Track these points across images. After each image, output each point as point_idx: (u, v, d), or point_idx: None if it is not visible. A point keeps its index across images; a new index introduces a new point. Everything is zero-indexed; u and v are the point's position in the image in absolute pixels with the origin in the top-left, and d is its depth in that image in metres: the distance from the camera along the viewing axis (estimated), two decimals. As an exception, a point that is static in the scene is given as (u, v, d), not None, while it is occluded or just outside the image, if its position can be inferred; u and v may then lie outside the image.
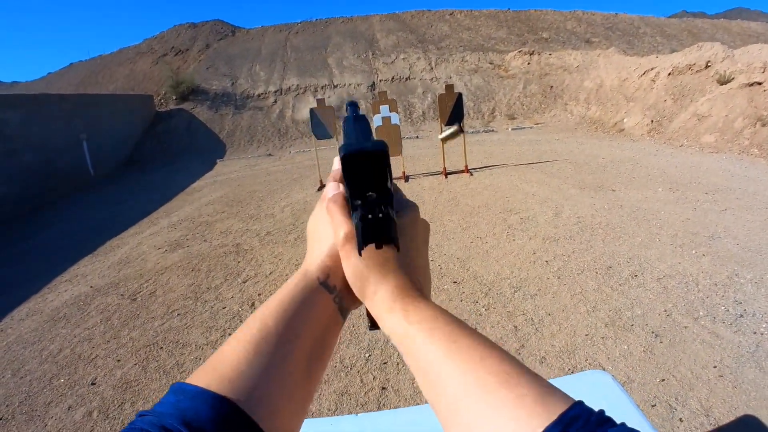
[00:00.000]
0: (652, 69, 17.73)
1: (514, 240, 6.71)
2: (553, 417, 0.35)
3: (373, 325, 0.59)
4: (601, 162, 11.49)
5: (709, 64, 15.56)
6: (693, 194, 8.28)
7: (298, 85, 22.43)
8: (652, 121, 15.52)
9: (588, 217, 7.38)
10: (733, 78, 14.05)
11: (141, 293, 5.95)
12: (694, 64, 15.98)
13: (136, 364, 4.40)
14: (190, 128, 20.01)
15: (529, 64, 23.59)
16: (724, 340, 4.11)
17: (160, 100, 22.21)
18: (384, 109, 10.59)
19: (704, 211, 7.35)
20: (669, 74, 16.63)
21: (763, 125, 11.84)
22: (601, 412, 0.37)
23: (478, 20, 31.07)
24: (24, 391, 4.17)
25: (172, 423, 0.40)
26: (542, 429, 0.35)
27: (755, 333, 4.19)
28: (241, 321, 4.95)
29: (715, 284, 5.10)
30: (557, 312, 4.78)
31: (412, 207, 0.64)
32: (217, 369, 0.48)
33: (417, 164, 12.54)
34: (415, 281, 0.57)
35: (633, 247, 6.15)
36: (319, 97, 15.25)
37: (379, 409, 3.61)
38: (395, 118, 10.66)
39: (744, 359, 3.83)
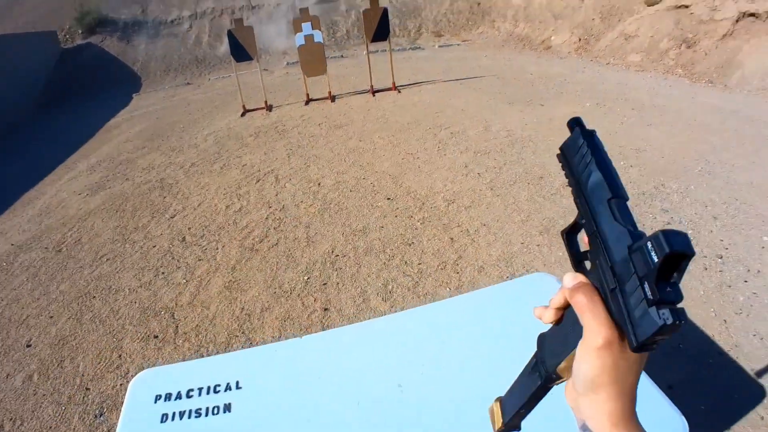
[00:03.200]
0: (581, -13, 17.72)
1: (445, 155, 6.72)
2: None
3: (546, 383, 0.60)
4: (530, 78, 11.54)
5: (637, -16, 15.67)
6: (620, 109, 8.48)
7: (213, 7, 21.17)
8: (579, 39, 15.64)
9: (518, 130, 7.45)
10: (661, 0, 14.24)
11: (66, 243, 5.64)
12: (623, -17, 16.06)
13: (70, 318, 4.22)
14: (101, 63, 18.50)
15: (457, -20, 23.12)
16: (652, 244, 4.30)
17: (65, 35, 20.18)
18: (306, 26, 10.16)
19: (630, 126, 7.56)
20: (597, -7, 16.69)
21: (688, 47, 12.13)
22: None
23: (406, -66, 30.00)
24: (-45, 369, 3.92)
25: None
26: None
27: (682, 238, 4.40)
28: (172, 258, 4.80)
29: (643, 193, 5.32)
30: (492, 222, 4.87)
31: None
32: None
33: (343, 84, 12.18)
34: (633, 405, 0.52)
35: (564, 159, 6.27)
36: (237, 17, 14.45)
37: (323, 329, 3.61)
38: (318, 36, 10.28)
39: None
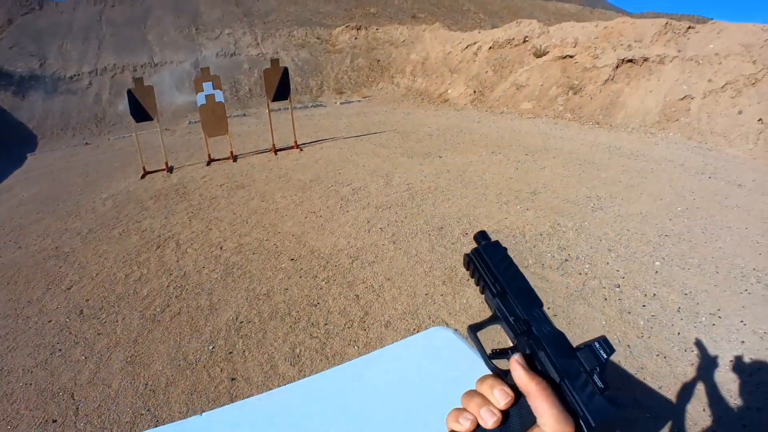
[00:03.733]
0: (474, 43, 18.68)
1: (347, 211, 6.73)
2: None
3: None
4: (428, 130, 11.90)
5: (526, 39, 16.73)
6: (514, 155, 8.87)
7: (115, 64, 20.69)
8: (474, 91, 16.39)
9: (418, 183, 7.61)
10: (548, 51, 15.25)
11: None
12: (514, 38, 17.11)
13: None
14: None
15: (356, 38, 23.81)
16: (554, 282, 4.46)
17: None
18: (207, 86, 10.08)
19: (525, 170, 7.90)
20: (490, 48, 17.65)
21: (575, 93, 12.99)
22: None
23: (305, -5, 30.79)
24: None
25: None
26: None
27: (580, 274, 4.60)
28: (70, 333, 4.49)
29: (540, 234, 5.52)
30: (396, 276, 4.86)
31: None
32: None
33: (246, 142, 12.10)
34: None
35: (462, 208, 6.45)
36: (138, 76, 14.16)
37: (231, 401, 3.43)
38: (219, 96, 10.20)
39: (573, 297, 4.19)
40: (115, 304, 4.94)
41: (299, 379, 3.56)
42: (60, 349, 4.31)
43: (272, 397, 1.96)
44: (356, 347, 3.87)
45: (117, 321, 4.63)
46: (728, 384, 3.17)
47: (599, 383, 0.54)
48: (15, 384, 3.93)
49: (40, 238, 7.09)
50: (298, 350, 3.91)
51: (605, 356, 0.55)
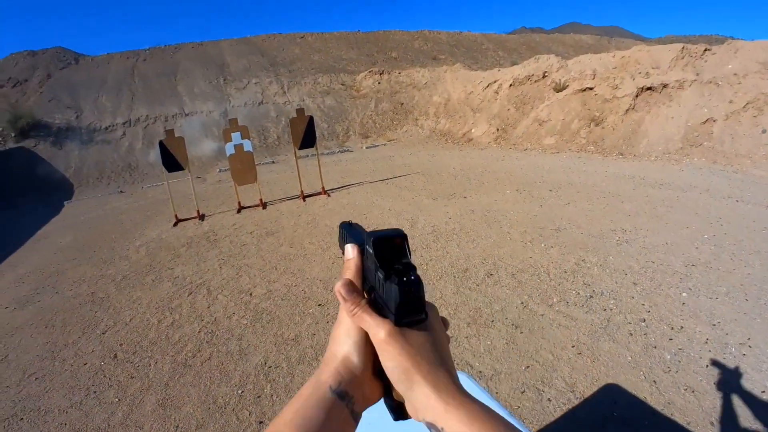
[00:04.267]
0: (495, 81, 18.90)
1: (373, 255, 6.78)
2: None
3: (399, 415, 0.63)
4: (452, 171, 12.01)
5: (546, 74, 16.89)
6: (538, 192, 8.89)
7: (147, 115, 21.39)
8: (497, 129, 16.51)
9: (442, 224, 7.66)
10: (567, 85, 15.36)
11: None
12: (533, 74, 17.28)
13: None
14: (33, 168, 18.08)
15: (379, 83, 24.25)
16: (578, 320, 4.43)
17: None
18: (236, 136, 10.37)
19: (549, 207, 7.91)
20: (510, 85, 17.83)
21: (597, 125, 13.01)
22: None
23: (329, 42, 31.56)
24: None
25: None
26: None
27: (605, 310, 4.56)
28: (104, 375, 4.59)
29: (565, 271, 5.49)
30: (420, 320, 4.88)
31: (432, 305, 0.66)
32: None
33: (274, 189, 12.40)
34: (452, 374, 0.59)
35: (486, 248, 6.46)
36: (169, 127, 14.62)
37: (259, 444, 3.49)
38: (248, 145, 10.47)
39: (598, 334, 4.15)
40: (148, 348, 5.05)
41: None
42: (94, 391, 4.42)
43: None
44: (380, 392, 3.90)
45: (150, 365, 4.74)
46: (761, 416, 3.12)
47: (380, 275, 0.60)
48: (51, 424, 4.04)
49: (76, 284, 7.31)
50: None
51: (371, 250, 0.62)
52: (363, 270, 0.67)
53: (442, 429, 0.54)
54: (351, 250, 0.69)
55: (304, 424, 0.56)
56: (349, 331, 0.63)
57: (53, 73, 25.58)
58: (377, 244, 0.62)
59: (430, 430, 0.56)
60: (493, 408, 0.55)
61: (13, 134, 19.71)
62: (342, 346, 0.63)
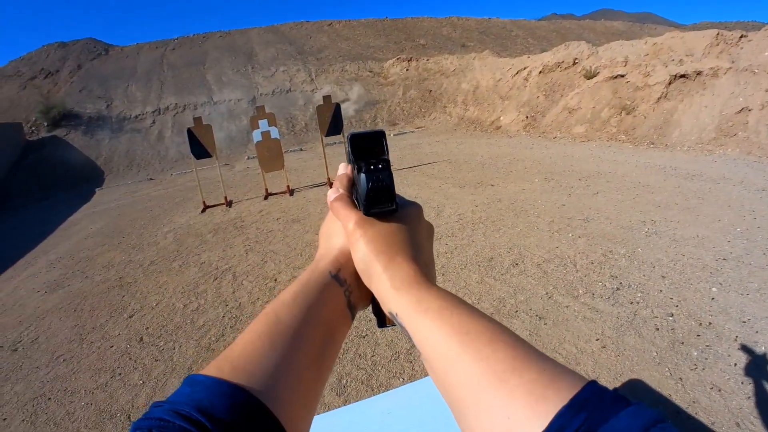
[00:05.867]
0: (524, 69, 18.66)
1: (398, 243, 6.77)
2: (566, 399, 0.35)
3: (382, 322, 0.63)
4: (480, 159, 11.92)
5: (576, 61, 16.61)
6: (567, 182, 8.76)
7: (176, 103, 21.66)
8: (526, 117, 16.31)
9: (468, 213, 7.61)
10: (598, 72, 15.09)
11: (22, 342, 5.44)
12: (563, 61, 17.01)
13: (24, 420, 4.02)
14: (65, 156, 18.54)
15: (407, 70, 24.13)
16: (604, 313, 4.36)
17: (31, 127, 20.32)
18: (263, 123, 10.42)
19: (578, 197, 7.79)
20: (540, 72, 17.58)
21: (628, 113, 12.76)
22: (615, 391, 0.37)
23: (357, 30, 31.49)
24: None
25: (187, 410, 0.40)
26: (554, 414, 0.35)
27: (632, 303, 4.48)
28: (129, 358, 4.67)
29: (592, 263, 5.41)
30: (444, 308, 4.86)
31: (415, 203, 0.68)
32: (232, 360, 0.48)
33: (302, 176, 12.45)
34: (422, 267, 0.58)
35: (512, 237, 6.40)
36: (198, 115, 14.77)
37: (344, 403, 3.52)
38: (275, 132, 10.51)
39: (623, 328, 4.08)
40: (173, 332, 5.13)
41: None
42: (120, 373, 4.51)
43: (319, 421, 2.02)
44: (401, 379, 3.90)
45: (174, 349, 4.81)
46: (789, 417, 3.04)
47: (356, 168, 0.62)
48: (77, 404, 4.14)
49: (105, 269, 7.47)
50: (344, 381, 3.96)
51: (349, 148, 0.64)
52: (353, 182, 0.68)
53: (396, 314, 0.53)
54: (342, 168, 0.71)
55: (303, 304, 0.56)
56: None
57: (84, 64, 26.07)
58: (353, 141, 0.63)
59: (394, 320, 0.55)
60: None
61: (45, 124, 20.20)
62: (339, 238, 0.64)
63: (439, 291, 0.53)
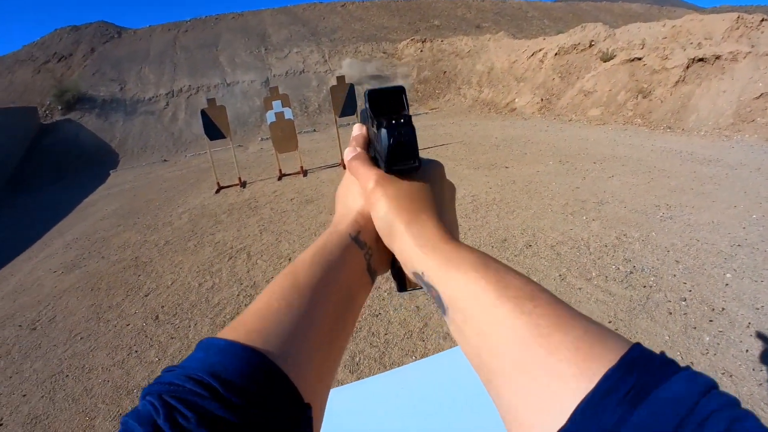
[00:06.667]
0: (540, 50, 18.47)
1: (411, 224, 6.78)
2: (614, 360, 0.33)
3: (402, 285, 0.62)
4: (494, 141, 11.87)
5: (592, 43, 16.42)
6: (582, 164, 8.72)
7: (189, 85, 21.66)
8: (541, 100, 16.18)
9: (482, 194, 7.61)
10: (615, 55, 14.90)
11: (40, 321, 5.54)
12: (579, 43, 16.81)
13: (43, 397, 4.12)
14: (79, 139, 18.66)
15: (421, 51, 23.96)
16: (617, 296, 4.37)
17: (45, 111, 20.45)
18: (276, 104, 10.43)
19: (593, 180, 7.76)
20: (556, 54, 17.40)
21: (644, 97, 12.62)
22: (663, 354, 0.35)
23: (370, 11, 31.27)
24: None
25: (199, 374, 0.38)
26: (603, 373, 0.33)
27: (645, 286, 4.48)
28: (146, 336, 4.75)
29: (605, 246, 5.41)
30: (457, 289, 4.89)
31: (437, 162, 0.66)
32: (247, 322, 0.46)
33: (315, 158, 12.47)
34: (447, 225, 0.56)
35: (526, 219, 6.41)
36: (211, 96, 14.81)
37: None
38: (288, 113, 10.52)
39: (636, 311, 4.10)
40: (188, 310, 5.21)
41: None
42: (136, 351, 4.59)
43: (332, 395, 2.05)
44: (414, 357, 3.94)
45: (189, 326, 4.89)
46: (801, 403, 3.04)
47: (374, 125, 0.60)
48: (94, 380, 4.23)
49: (120, 249, 7.56)
50: (357, 358, 4.01)
51: (367, 105, 0.62)
52: (370, 141, 0.66)
53: (422, 273, 0.52)
54: (357, 128, 0.68)
55: (322, 265, 0.54)
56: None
57: (97, 47, 26.11)
58: (372, 97, 0.61)
59: (419, 281, 0.53)
60: None
61: (59, 107, 20.32)
62: (358, 199, 0.62)
63: (469, 248, 0.51)
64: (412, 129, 0.58)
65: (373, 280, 0.61)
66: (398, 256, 0.57)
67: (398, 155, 0.57)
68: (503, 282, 0.44)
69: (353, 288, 0.56)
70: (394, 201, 0.56)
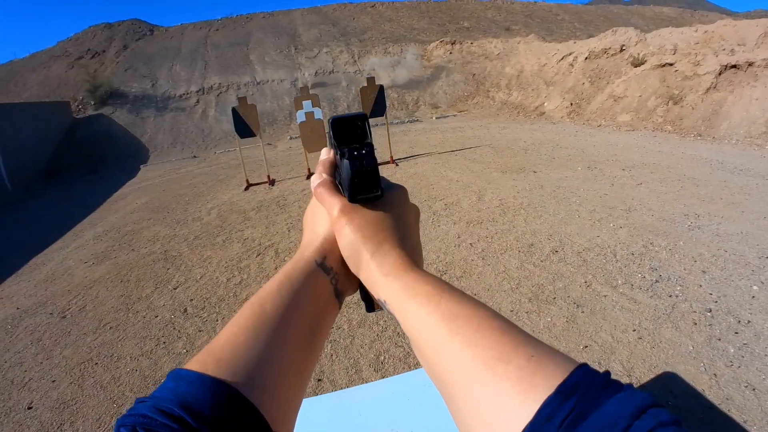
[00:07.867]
0: (570, 54, 18.34)
1: (439, 226, 6.82)
2: (554, 387, 0.34)
3: (371, 307, 0.63)
4: (523, 145, 11.84)
5: (623, 48, 16.25)
6: (610, 171, 8.67)
7: (220, 83, 21.94)
8: (571, 104, 16.07)
9: (510, 198, 7.60)
10: (646, 60, 14.74)
11: (70, 310, 5.68)
12: (610, 48, 16.66)
13: (71, 383, 4.22)
14: (111, 134, 19.05)
15: (451, 53, 23.94)
16: (642, 304, 4.36)
17: (78, 105, 20.94)
18: (307, 104, 10.52)
19: (621, 186, 7.71)
20: (586, 58, 17.26)
21: (675, 103, 12.47)
22: (607, 374, 0.36)
23: (400, 11, 31.32)
24: (-45, 427, 3.94)
25: (170, 407, 0.40)
26: (542, 402, 0.34)
27: (670, 296, 4.46)
28: (174, 328, 4.84)
29: (632, 254, 5.38)
30: (482, 291, 4.91)
31: (400, 187, 0.68)
32: (215, 353, 0.47)
33: (343, 158, 12.48)
34: (409, 252, 0.58)
35: (553, 225, 6.40)
36: (241, 95, 15.00)
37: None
38: (318, 113, 10.61)
39: (661, 321, 4.08)
40: (216, 304, 5.30)
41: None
42: (164, 342, 4.69)
43: (345, 395, 2.09)
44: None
45: (217, 320, 4.98)
46: (826, 419, 3.02)
47: (338, 155, 0.62)
48: (123, 369, 4.33)
49: (150, 242, 7.72)
50: (382, 357, 4.06)
51: (331, 131, 0.63)
52: (336, 166, 0.67)
53: (385, 302, 0.54)
54: (325, 152, 0.69)
55: (288, 293, 0.55)
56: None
57: (129, 44, 26.62)
58: (334, 125, 0.62)
59: (384, 308, 0.55)
60: None
61: (92, 102, 20.77)
62: (324, 225, 0.64)
63: (427, 276, 0.52)
64: (374, 159, 0.60)
65: (340, 303, 0.62)
66: (364, 283, 0.59)
67: (361, 186, 0.59)
68: (453, 313, 0.45)
69: (320, 314, 0.58)
70: (359, 231, 0.58)
